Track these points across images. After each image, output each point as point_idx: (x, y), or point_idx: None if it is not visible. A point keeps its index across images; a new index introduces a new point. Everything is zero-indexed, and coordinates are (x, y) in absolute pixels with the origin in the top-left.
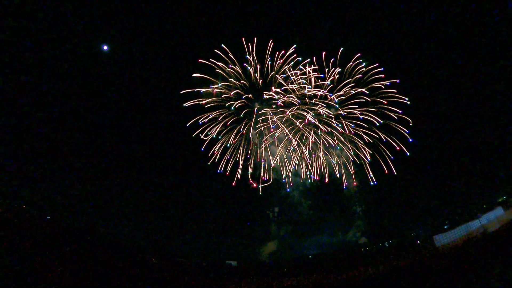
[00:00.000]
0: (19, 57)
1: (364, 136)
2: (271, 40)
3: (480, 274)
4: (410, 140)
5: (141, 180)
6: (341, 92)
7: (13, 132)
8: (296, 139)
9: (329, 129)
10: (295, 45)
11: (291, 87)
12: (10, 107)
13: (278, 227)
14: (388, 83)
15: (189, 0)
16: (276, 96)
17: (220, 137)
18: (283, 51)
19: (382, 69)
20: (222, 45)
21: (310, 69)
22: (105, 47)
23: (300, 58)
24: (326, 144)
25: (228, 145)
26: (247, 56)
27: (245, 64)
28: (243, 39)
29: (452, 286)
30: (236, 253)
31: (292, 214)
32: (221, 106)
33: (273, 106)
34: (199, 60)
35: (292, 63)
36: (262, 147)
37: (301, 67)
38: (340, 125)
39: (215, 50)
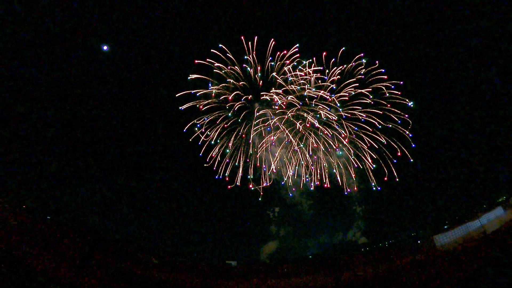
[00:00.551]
0: (19, 57)
1: (366, 138)
2: (272, 40)
3: (480, 274)
4: (414, 145)
5: (141, 180)
6: (343, 93)
7: (13, 132)
8: (296, 140)
9: (330, 131)
10: (297, 45)
11: (291, 88)
12: (10, 107)
13: (278, 227)
14: (393, 87)
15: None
16: (276, 97)
17: (218, 140)
18: (284, 51)
19: (383, 70)
20: (221, 45)
21: (311, 70)
22: (105, 47)
23: (301, 60)
24: (328, 147)
25: (227, 150)
26: (246, 57)
27: (244, 65)
28: (242, 38)
29: (452, 286)
30: (236, 253)
31: (292, 214)
32: (220, 107)
33: (273, 107)
34: (196, 61)
35: (294, 62)
36: (262, 149)
37: (301, 67)
38: (341, 127)
39: (212, 50)
